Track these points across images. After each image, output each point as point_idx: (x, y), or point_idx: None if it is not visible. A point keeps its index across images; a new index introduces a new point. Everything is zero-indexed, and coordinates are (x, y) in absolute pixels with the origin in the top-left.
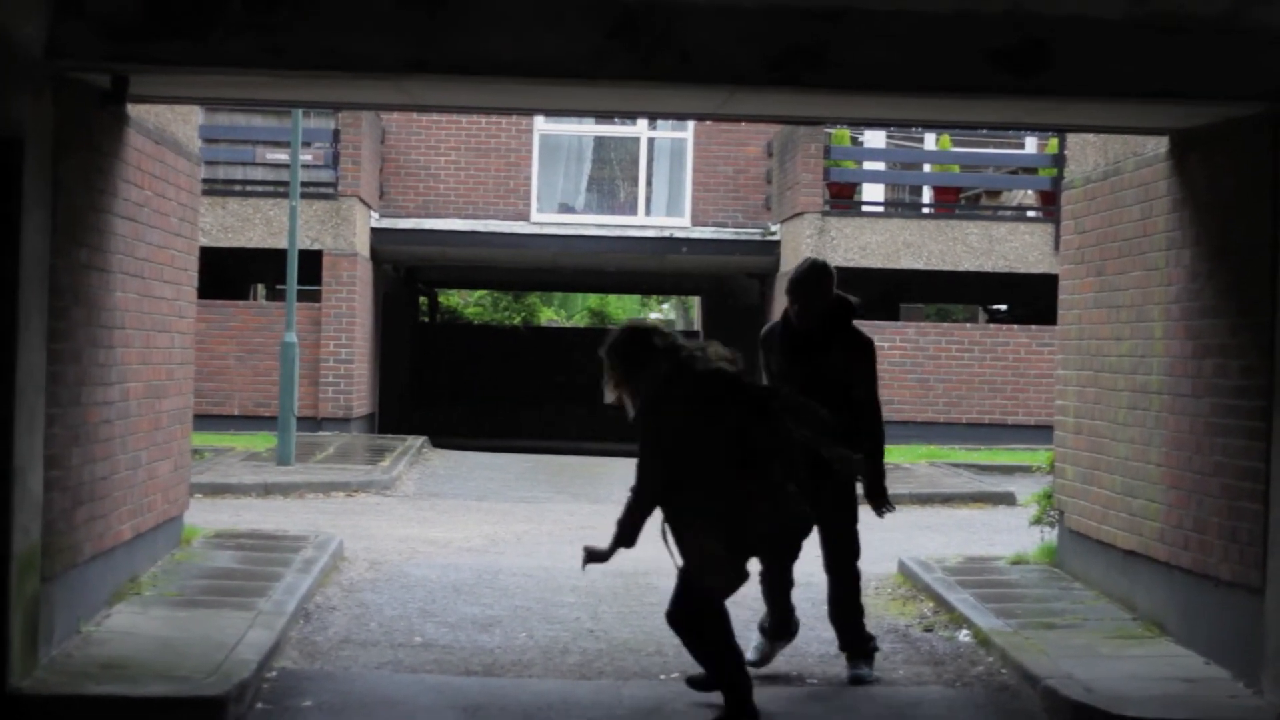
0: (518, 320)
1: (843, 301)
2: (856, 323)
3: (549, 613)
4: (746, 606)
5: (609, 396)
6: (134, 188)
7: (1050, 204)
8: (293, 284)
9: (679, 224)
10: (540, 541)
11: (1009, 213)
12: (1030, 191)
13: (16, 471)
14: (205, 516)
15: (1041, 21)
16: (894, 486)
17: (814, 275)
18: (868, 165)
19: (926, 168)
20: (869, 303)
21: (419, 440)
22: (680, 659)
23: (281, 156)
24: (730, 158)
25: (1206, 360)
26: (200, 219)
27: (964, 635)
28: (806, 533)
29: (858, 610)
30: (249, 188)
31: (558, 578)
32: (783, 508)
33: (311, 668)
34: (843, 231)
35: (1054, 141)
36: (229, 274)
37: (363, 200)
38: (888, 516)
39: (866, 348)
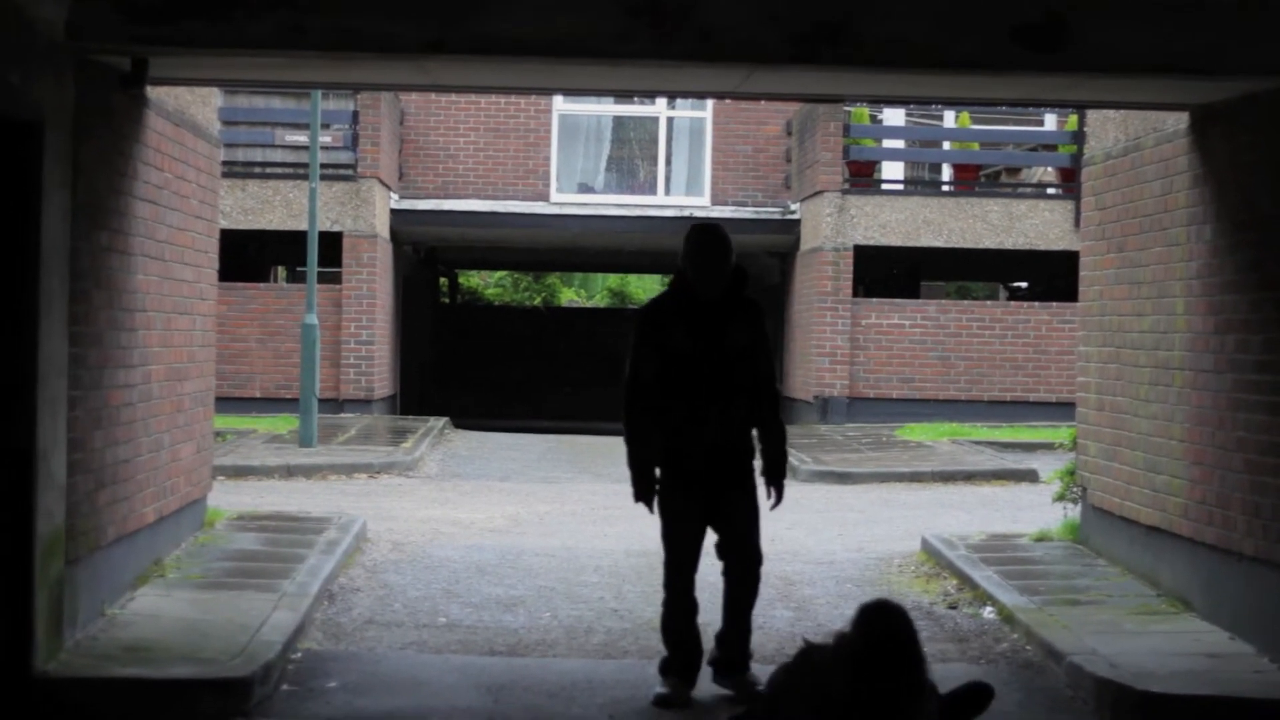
0: (538, 301)
1: (738, 268)
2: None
3: (572, 592)
4: (770, 585)
5: None
6: (154, 170)
7: (1070, 180)
8: (313, 266)
9: (699, 203)
10: (563, 521)
11: (1029, 190)
12: (1050, 168)
13: (40, 455)
14: (228, 499)
15: None
16: (916, 464)
17: (722, 238)
18: (887, 143)
19: (946, 145)
20: (890, 280)
21: (440, 421)
22: (704, 638)
23: (301, 138)
24: (749, 136)
25: (1228, 335)
26: (220, 201)
27: (988, 612)
28: None
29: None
30: (268, 170)
31: (581, 558)
32: None
33: (336, 649)
34: (863, 209)
35: (1074, 118)
36: (249, 256)
37: (382, 182)
38: (898, 493)
39: (761, 310)
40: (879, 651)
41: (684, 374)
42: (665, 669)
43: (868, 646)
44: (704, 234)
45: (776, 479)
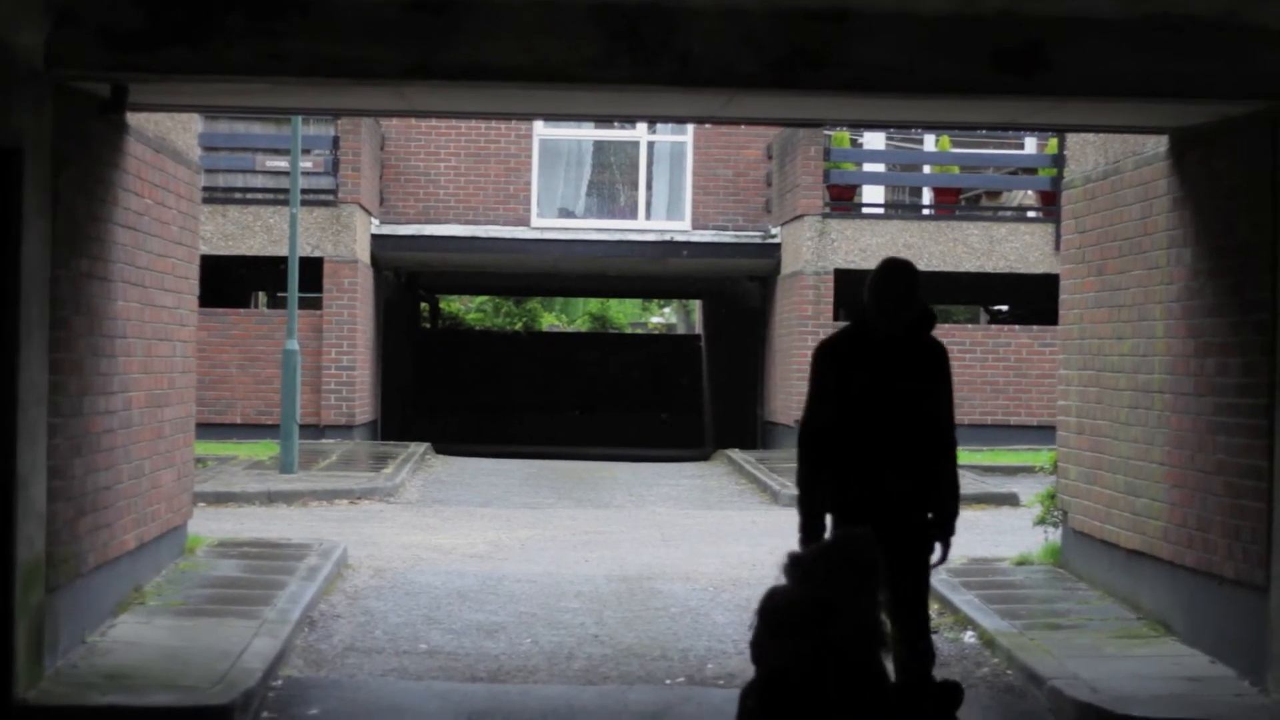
0: (519, 326)
1: (925, 308)
2: None
3: (554, 618)
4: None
5: None
6: (134, 196)
7: (1050, 204)
8: (294, 291)
9: (679, 227)
10: (544, 547)
11: (1009, 213)
12: (1030, 192)
13: (20, 482)
14: (209, 525)
15: (1040, 22)
16: None
17: (909, 274)
18: (868, 167)
19: (926, 169)
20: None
21: (422, 447)
22: (685, 663)
23: (281, 164)
24: (730, 161)
25: (1208, 359)
26: (201, 227)
27: (969, 636)
28: None
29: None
30: (249, 195)
31: (562, 583)
32: None
33: (317, 676)
34: (843, 233)
35: (1054, 141)
36: (230, 282)
37: (363, 207)
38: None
39: (945, 354)
40: (828, 556)
41: (861, 417)
42: None
43: (823, 553)
44: (890, 268)
45: (945, 535)
